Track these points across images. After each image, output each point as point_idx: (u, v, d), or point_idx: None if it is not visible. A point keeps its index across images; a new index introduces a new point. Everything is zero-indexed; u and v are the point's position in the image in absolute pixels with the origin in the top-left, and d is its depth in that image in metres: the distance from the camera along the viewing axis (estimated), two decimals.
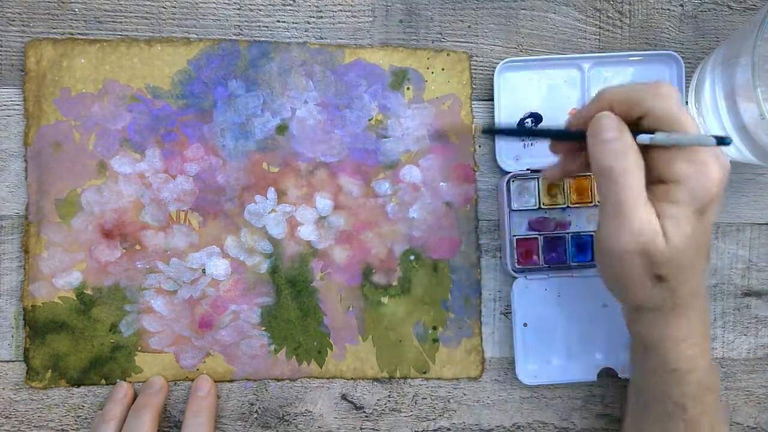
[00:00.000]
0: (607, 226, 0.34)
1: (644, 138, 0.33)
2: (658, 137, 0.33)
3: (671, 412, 0.37)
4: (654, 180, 0.34)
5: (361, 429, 0.46)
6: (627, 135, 0.34)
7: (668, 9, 0.47)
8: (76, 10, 0.45)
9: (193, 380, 0.45)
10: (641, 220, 0.33)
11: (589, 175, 0.45)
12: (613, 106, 0.35)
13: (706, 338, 0.37)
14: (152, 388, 0.44)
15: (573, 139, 0.38)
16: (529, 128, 0.44)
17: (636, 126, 0.34)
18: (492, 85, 0.45)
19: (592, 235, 0.45)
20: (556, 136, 0.39)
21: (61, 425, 0.45)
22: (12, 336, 0.45)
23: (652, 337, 0.37)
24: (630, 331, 0.39)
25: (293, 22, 0.46)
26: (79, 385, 0.45)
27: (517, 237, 0.45)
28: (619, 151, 0.33)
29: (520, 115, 0.46)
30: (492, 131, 0.43)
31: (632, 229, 0.33)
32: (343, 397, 0.46)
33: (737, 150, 0.43)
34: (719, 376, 0.39)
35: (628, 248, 0.33)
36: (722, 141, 0.31)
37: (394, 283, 0.46)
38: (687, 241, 0.33)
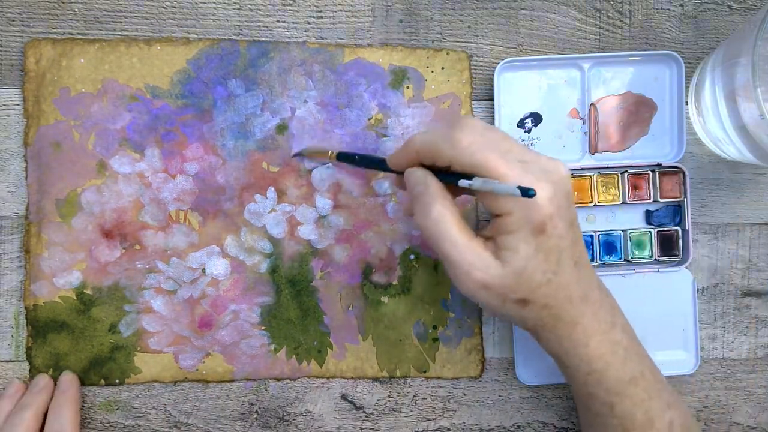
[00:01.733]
0: (449, 274, 0.35)
1: (464, 183, 0.34)
2: (475, 183, 0.33)
3: (602, 412, 0.37)
4: (491, 213, 0.35)
5: (361, 429, 0.46)
6: (432, 186, 0.35)
7: (668, 9, 0.46)
8: (76, 9, 0.45)
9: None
10: (466, 261, 0.34)
11: (590, 176, 0.45)
12: (420, 156, 0.36)
13: (612, 331, 0.36)
14: (36, 387, 0.43)
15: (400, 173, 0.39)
16: (369, 157, 0.43)
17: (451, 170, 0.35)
18: (492, 85, 0.45)
19: (591, 236, 0.45)
20: (385, 170, 0.40)
21: None
22: (12, 336, 0.45)
23: (556, 351, 0.37)
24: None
25: (293, 22, 0.45)
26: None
27: None
28: (426, 206, 0.35)
29: (520, 116, 0.46)
30: (345, 158, 0.43)
31: (464, 271, 0.34)
32: (343, 397, 0.46)
33: (737, 150, 0.43)
34: (647, 362, 0.38)
35: (470, 289, 0.34)
36: (526, 193, 0.31)
37: (394, 283, 0.46)
38: (532, 261, 0.34)
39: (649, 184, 0.45)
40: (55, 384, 0.44)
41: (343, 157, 0.43)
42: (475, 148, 0.33)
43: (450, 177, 0.35)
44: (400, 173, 0.38)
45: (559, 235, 0.34)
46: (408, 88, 0.45)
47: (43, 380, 0.44)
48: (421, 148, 0.36)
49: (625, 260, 0.46)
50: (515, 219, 0.33)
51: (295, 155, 0.45)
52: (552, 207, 0.33)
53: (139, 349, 0.45)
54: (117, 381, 0.45)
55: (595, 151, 0.46)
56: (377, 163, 0.41)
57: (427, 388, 0.46)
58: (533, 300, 0.35)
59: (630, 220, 0.46)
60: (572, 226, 0.35)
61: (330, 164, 0.45)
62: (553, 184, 0.33)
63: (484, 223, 0.46)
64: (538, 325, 0.36)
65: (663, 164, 0.45)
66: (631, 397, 0.36)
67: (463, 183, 0.34)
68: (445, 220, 0.34)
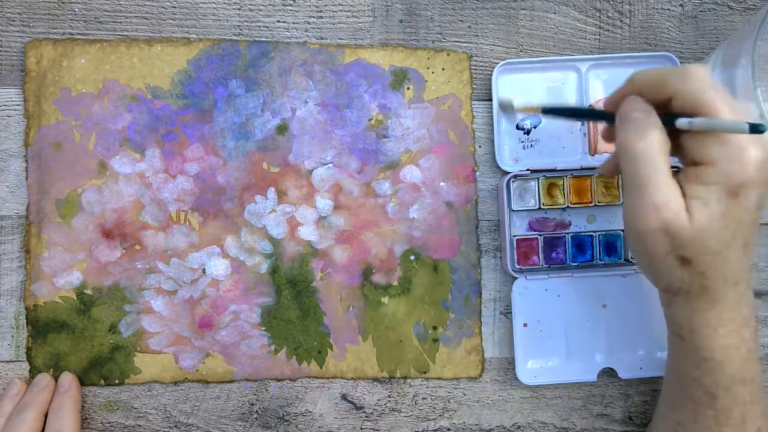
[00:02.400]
0: (629, 205, 0.34)
1: (683, 122, 0.33)
2: (696, 122, 0.32)
3: (701, 401, 0.37)
4: (688, 162, 0.34)
5: (361, 429, 0.46)
6: (652, 115, 0.34)
7: (668, 9, 0.47)
8: (76, 10, 0.45)
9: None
10: (663, 195, 0.32)
11: (590, 176, 0.45)
12: (642, 90, 0.35)
13: (745, 328, 0.36)
14: (37, 386, 0.43)
15: (608, 120, 0.38)
16: (571, 108, 0.43)
17: (667, 109, 0.34)
18: (492, 86, 0.45)
19: (591, 236, 0.45)
20: (591, 116, 0.41)
21: None
22: (12, 336, 0.45)
23: (683, 322, 0.36)
24: (665, 316, 0.38)
25: (293, 22, 0.46)
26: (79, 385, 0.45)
27: (517, 237, 0.45)
28: (642, 130, 0.33)
29: (520, 117, 0.46)
30: (549, 110, 0.41)
31: (654, 205, 0.33)
32: (343, 397, 0.46)
33: None
34: (759, 368, 0.37)
35: (649, 226, 0.33)
36: (756, 129, 0.31)
37: (395, 283, 0.46)
38: (715, 223, 0.32)
39: None
40: (56, 384, 0.44)
41: (550, 111, 0.40)
42: (706, 85, 0.33)
43: (667, 117, 0.34)
44: (611, 119, 0.36)
45: (747, 207, 0.33)
46: (408, 88, 0.45)
47: (45, 380, 0.44)
48: (646, 81, 0.35)
49: (625, 260, 0.46)
50: (717, 171, 0.32)
51: (502, 107, 0.41)
52: (756, 172, 0.32)
53: (139, 349, 0.45)
54: (117, 381, 0.45)
55: (595, 152, 0.46)
56: (586, 112, 0.41)
57: (427, 388, 0.46)
58: (696, 263, 0.34)
59: None
60: (759, 206, 0.34)
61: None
62: (765, 151, 0.32)
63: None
64: (682, 289, 0.35)
65: None
66: (735, 397, 0.36)
67: (681, 122, 0.33)
68: (658, 149, 0.33)
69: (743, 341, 0.36)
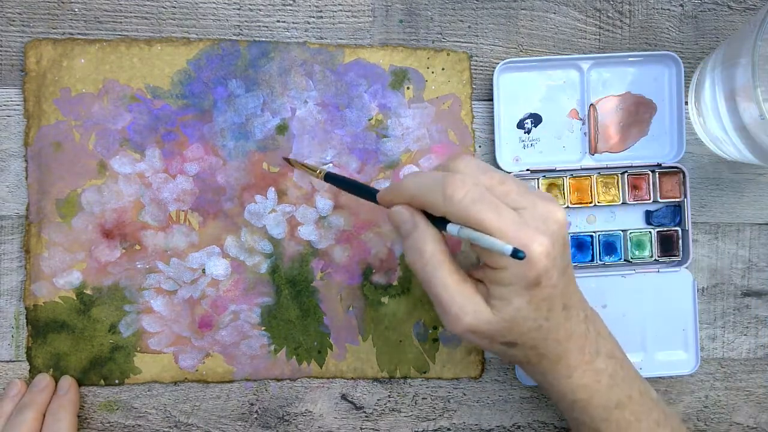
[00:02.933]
0: (438, 313, 0.35)
1: (452, 230, 0.33)
2: (464, 232, 0.32)
3: None
4: (484, 264, 0.34)
5: (361, 429, 0.46)
6: (420, 226, 0.34)
7: (668, 9, 0.47)
8: (76, 10, 0.45)
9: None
10: (455, 305, 0.33)
11: (590, 176, 0.45)
12: (412, 201, 0.35)
13: (595, 361, 0.36)
14: (37, 387, 0.43)
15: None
16: (358, 185, 0.41)
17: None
18: (492, 86, 0.45)
19: (591, 236, 0.45)
20: (373, 201, 0.39)
21: None
22: (12, 336, 0.45)
23: (540, 382, 0.38)
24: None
25: (293, 22, 0.46)
26: (79, 385, 0.45)
27: None
28: (415, 244, 0.34)
29: (520, 116, 0.46)
30: (331, 179, 0.42)
31: (453, 315, 0.34)
32: (343, 397, 0.46)
33: (737, 150, 0.43)
34: (635, 384, 0.38)
35: (458, 332, 0.34)
36: (516, 254, 0.30)
37: (395, 283, 0.46)
38: (521, 312, 0.33)
39: (649, 185, 0.45)
40: (55, 386, 0.44)
41: (331, 179, 0.42)
42: (468, 201, 0.32)
43: (440, 221, 0.34)
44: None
45: (552, 285, 0.33)
46: (408, 88, 0.45)
47: (44, 380, 0.44)
48: (414, 197, 0.35)
49: (625, 260, 0.46)
50: (509, 274, 0.33)
51: (285, 159, 0.44)
52: (548, 261, 0.32)
53: (139, 349, 0.45)
54: (117, 381, 0.45)
55: (595, 152, 0.46)
56: (366, 192, 0.40)
57: (427, 388, 0.46)
58: (521, 343, 0.35)
59: (630, 221, 0.46)
60: (565, 273, 0.34)
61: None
62: (550, 236, 0.33)
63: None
64: (523, 362, 0.37)
65: (663, 164, 0.45)
66: (617, 422, 0.37)
67: (451, 229, 0.33)
68: (434, 261, 0.34)
69: (599, 372, 0.36)
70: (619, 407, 0.37)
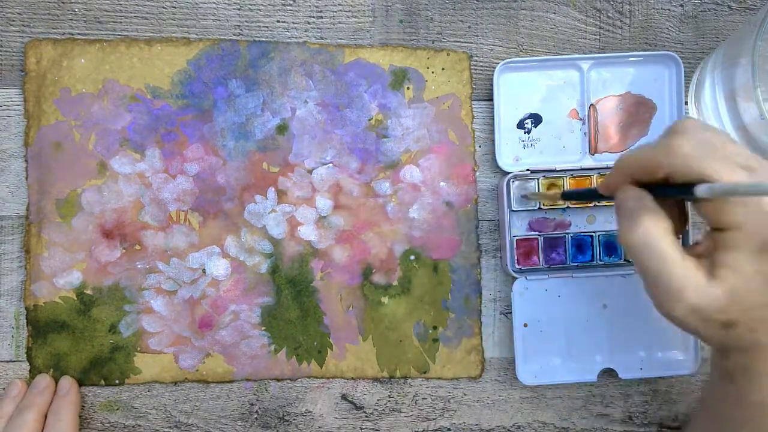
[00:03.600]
0: (651, 294, 0.33)
1: (703, 191, 0.29)
2: (717, 189, 0.29)
3: None
4: (712, 227, 0.32)
5: (361, 429, 0.46)
6: (645, 201, 0.32)
7: (668, 9, 0.47)
8: (76, 10, 0.45)
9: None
10: (677, 281, 0.31)
11: (590, 176, 0.45)
12: (633, 176, 0.33)
13: None
14: (37, 388, 0.43)
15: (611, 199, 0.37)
16: (579, 191, 0.43)
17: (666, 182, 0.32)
18: (492, 86, 0.45)
19: (591, 236, 0.45)
20: (595, 197, 0.38)
21: None
22: (12, 336, 0.45)
23: (736, 371, 0.34)
24: (711, 362, 0.37)
25: (293, 22, 0.46)
26: (79, 385, 0.45)
27: (517, 237, 0.45)
28: (635, 220, 0.32)
29: (520, 116, 0.46)
30: (568, 196, 0.43)
31: (673, 294, 0.31)
32: (343, 397, 0.46)
33: None
34: None
35: (677, 313, 0.32)
36: None
37: (395, 283, 0.46)
38: (750, 283, 0.31)
39: None
40: (55, 386, 0.44)
41: (568, 196, 0.42)
42: (696, 154, 0.30)
43: (672, 190, 0.32)
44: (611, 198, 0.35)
45: None
46: (408, 88, 0.45)
47: (44, 381, 0.44)
48: (636, 166, 0.33)
49: (625, 260, 0.46)
50: (743, 234, 0.30)
51: (524, 197, 0.45)
52: None
53: (139, 349, 0.45)
54: (117, 381, 0.45)
55: (595, 152, 0.46)
56: (591, 194, 0.40)
57: (427, 388, 0.46)
58: (742, 322, 0.31)
59: None
60: None
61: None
62: None
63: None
64: (732, 346, 0.33)
65: None
66: None
67: (702, 190, 0.29)
68: (655, 233, 0.31)
69: None
70: None
